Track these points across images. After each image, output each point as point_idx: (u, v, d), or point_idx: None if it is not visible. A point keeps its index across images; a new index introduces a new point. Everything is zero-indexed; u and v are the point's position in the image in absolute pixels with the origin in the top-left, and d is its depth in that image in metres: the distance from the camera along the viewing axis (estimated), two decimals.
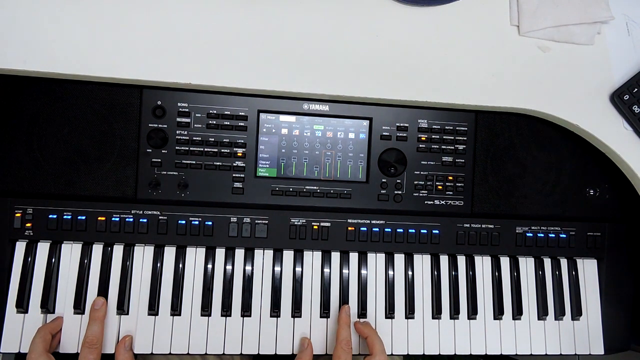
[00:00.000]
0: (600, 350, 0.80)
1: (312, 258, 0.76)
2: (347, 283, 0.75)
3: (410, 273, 0.77)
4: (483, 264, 0.79)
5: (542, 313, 0.79)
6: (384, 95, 0.71)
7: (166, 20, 0.68)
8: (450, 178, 0.77)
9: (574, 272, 0.81)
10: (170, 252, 0.73)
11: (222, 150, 0.73)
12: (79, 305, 0.69)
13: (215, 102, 0.73)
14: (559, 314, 0.79)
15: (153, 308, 0.71)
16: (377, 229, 0.76)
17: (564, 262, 0.82)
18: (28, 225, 0.70)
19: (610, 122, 0.74)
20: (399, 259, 0.78)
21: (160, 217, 0.72)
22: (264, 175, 0.74)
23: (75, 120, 0.70)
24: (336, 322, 0.74)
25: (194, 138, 0.72)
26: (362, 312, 0.75)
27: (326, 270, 0.75)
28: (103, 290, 0.70)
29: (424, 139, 0.77)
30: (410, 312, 0.76)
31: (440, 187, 0.77)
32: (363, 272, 0.76)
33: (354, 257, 0.77)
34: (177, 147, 0.72)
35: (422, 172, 0.77)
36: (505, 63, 0.74)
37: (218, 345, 0.71)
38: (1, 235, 0.70)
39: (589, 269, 0.82)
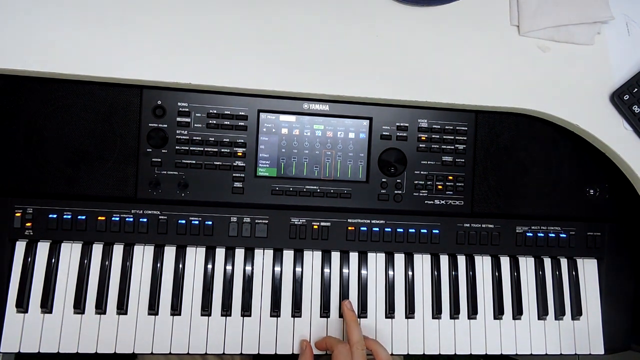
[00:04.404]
0: (600, 350, 0.80)
1: (312, 258, 0.76)
2: (347, 283, 0.75)
3: (410, 273, 0.77)
4: (483, 263, 0.79)
5: (542, 313, 0.79)
6: (384, 95, 0.71)
7: (166, 20, 0.68)
8: (450, 178, 0.77)
9: (574, 272, 0.81)
10: (170, 252, 0.73)
11: (222, 150, 0.73)
12: (79, 305, 0.69)
13: (215, 101, 0.73)
14: (559, 313, 0.79)
15: (153, 308, 0.71)
16: (377, 229, 0.76)
17: (564, 262, 0.82)
18: (28, 225, 0.70)
19: (610, 122, 0.74)
20: (399, 258, 0.78)
21: (160, 217, 0.72)
22: (264, 175, 0.74)
23: (76, 120, 0.70)
24: (337, 322, 0.74)
25: (194, 138, 0.72)
26: (362, 312, 0.75)
27: (326, 270, 0.75)
28: (103, 290, 0.70)
29: (424, 138, 0.77)
30: (410, 312, 0.76)
31: (440, 187, 0.77)
32: (363, 272, 0.76)
33: (354, 257, 0.77)
34: (177, 147, 0.72)
35: (422, 172, 0.77)
36: (505, 63, 0.74)
37: (218, 345, 0.71)
38: (1, 235, 0.70)
39: (589, 269, 0.82)
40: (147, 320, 0.71)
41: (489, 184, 0.78)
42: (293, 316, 0.74)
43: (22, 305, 0.68)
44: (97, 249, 0.72)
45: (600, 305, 0.81)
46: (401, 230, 0.77)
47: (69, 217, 0.71)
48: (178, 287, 0.72)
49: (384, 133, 0.76)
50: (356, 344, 0.66)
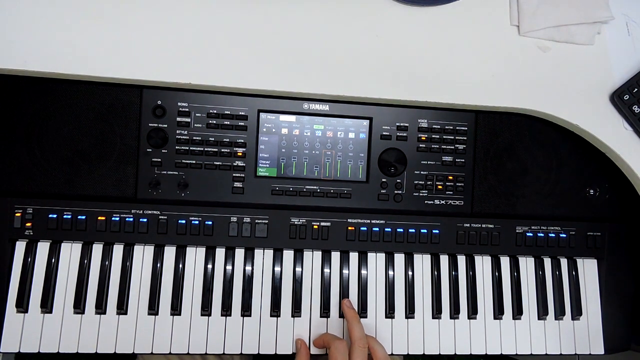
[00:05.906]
0: (600, 350, 0.80)
1: (312, 258, 0.76)
2: (347, 283, 0.75)
3: (410, 273, 0.77)
4: (483, 263, 0.79)
5: (542, 313, 0.79)
6: (384, 95, 0.71)
7: (166, 20, 0.68)
8: (450, 178, 0.77)
9: (574, 272, 0.81)
10: (170, 252, 0.73)
11: (222, 150, 0.73)
12: (78, 305, 0.69)
13: (215, 101, 0.73)
14: (559, 313, 0.79)
15: (153, 308, 0.71)
16: (377, 229, 0.76)
17: (564, 262, 0.82)
18: (28, 225, 0.70)
19: (610, 122, 0.74)
20: (399, 258, 0.78)
21: (160, 217, 0.72)
22: (264, 175, 0.74)
23: (75, 120, 0.70)
24: (337, 322, 0.74)
25: (194, 138, 0.72)
26: (362, 312, 0.75)
27: (326, 270, 0.75)
28: (103, 290, 0.70)
29: (424, 138, 0.77)
30: (410, 312, 0.76)
31: (440, 187, 0.77)
32: (363, 272, 0.76)
33: (354, 257, 0.77)
34: (177, 147, 0.72)
35: (422, 172, 0.77)
36: (505, 63, 0.74)
37: (218, 345, 0.71)
38: (1, 235, 0.70)
39: (589, 269, 0.82)
40: (147, 320, 0.71)
41: (489, 184, 0.78)
42: (293, 316, 0.74)
43: (22, 305, 0.68)
44: (97, 249, 0.72)
45: (600, 305, 0.81)
46: (401, 230, 0.77)
47: (69, 217, 0.71)
48: (178, 287, 0.72)
49: (384, 133, 0.76)
50: (358, 341, 0.66)
